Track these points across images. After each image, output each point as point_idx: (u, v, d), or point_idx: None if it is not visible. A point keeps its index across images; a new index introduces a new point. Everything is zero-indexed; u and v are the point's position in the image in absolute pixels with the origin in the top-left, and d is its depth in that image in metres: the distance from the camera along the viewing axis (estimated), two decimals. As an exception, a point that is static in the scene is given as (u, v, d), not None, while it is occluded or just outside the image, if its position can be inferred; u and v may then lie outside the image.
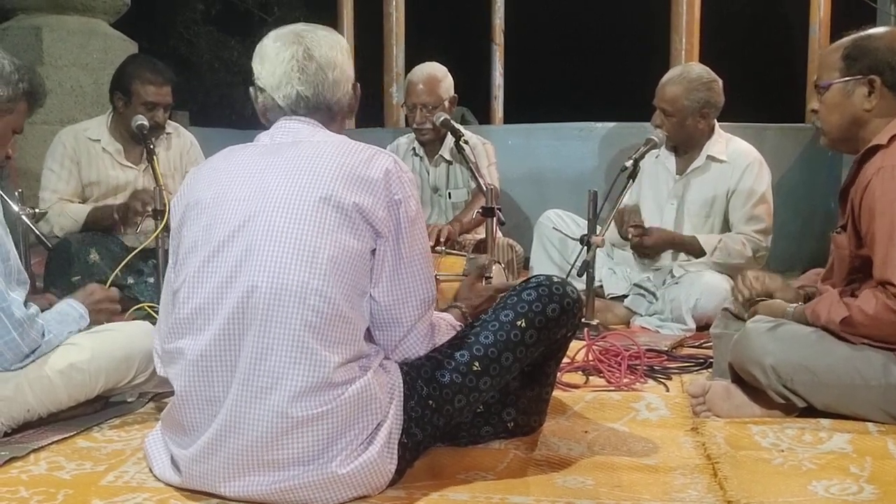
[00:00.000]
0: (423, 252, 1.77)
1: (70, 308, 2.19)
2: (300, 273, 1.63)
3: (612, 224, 3.33)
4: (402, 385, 1.74)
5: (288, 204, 1.67)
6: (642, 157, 3.27)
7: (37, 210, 3.07)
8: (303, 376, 1.61)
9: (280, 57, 1.80)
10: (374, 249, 1.71)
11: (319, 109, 1.83)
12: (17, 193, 2.99)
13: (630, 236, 3.37)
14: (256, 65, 1.84)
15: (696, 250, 3.38)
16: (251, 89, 1.88)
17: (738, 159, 3.42)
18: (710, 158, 3.44)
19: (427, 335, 1.80)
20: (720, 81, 3.41)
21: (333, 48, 1.83)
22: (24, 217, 2.91)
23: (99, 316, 2.30)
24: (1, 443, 2.00)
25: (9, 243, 1.99)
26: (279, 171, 1.72)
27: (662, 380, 2.59)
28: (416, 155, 4.06)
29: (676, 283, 3.35)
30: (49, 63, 5.19)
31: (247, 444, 1.63)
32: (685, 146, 3.48)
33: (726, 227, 3.45)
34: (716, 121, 3.46)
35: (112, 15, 5.62)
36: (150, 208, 3.13)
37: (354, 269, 1.68)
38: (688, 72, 3.42)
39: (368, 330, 1.76)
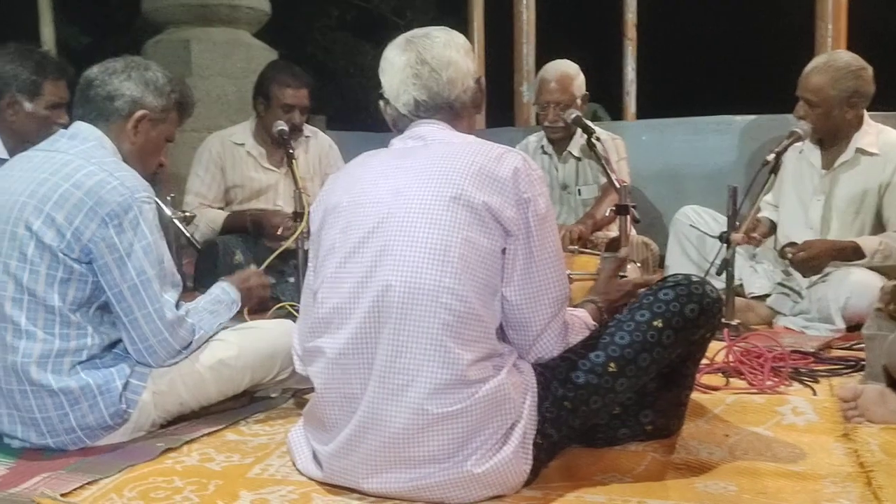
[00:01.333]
0: (554, 250, 1.75)
1: (223, 293, 2.29)
2: (432, 271, 1.65)
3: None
4: (535, 385, 1.74)
5: (420, 204, 1.70)
6: (785, 150, 3.14)
7: (187, 213, 3.23)
8: (438, 373, 1.63)
9: (395, 66, 1.84)
10: (505, 248, 1.71)
11: (441, 109, 1.85)
12: (168, 198, 3.16)
13: (788, 256, 3.18)
14: (381, 77, 1.89)
15: (856, 256, 3.15)
16: (380, 102, 1.91)
17: (892, 151, 3.22)
18: (860, 151, 3.25)
19: (561, 334, 1.79)
20: (869, 69, 3.22)
21: (447, 47, 1.84)
22: (175, 221, 3.07)
23: (250, 301, 2.40)
24: (157, 434, 2.11)
25: (164, 247, 2.10)
26: (411, 173, 1.75)
27: (809, 383, 2.47)
28: (545, 153, 4.04)
29: (824, 280, 3.18)
30: (197, 73, 5.46)
31: (385, 440, 1.66)
32: (831, 139, 3.31)
33: (878, 223, 3.24)
34: (865, 111, 3.28)
35: (254, 25, 5.86)
36: (282, 231, 3.28)
37: (485, 267, 1.68)
38: (834, 60, 3.26)
39: (502, 330, 1.76)
